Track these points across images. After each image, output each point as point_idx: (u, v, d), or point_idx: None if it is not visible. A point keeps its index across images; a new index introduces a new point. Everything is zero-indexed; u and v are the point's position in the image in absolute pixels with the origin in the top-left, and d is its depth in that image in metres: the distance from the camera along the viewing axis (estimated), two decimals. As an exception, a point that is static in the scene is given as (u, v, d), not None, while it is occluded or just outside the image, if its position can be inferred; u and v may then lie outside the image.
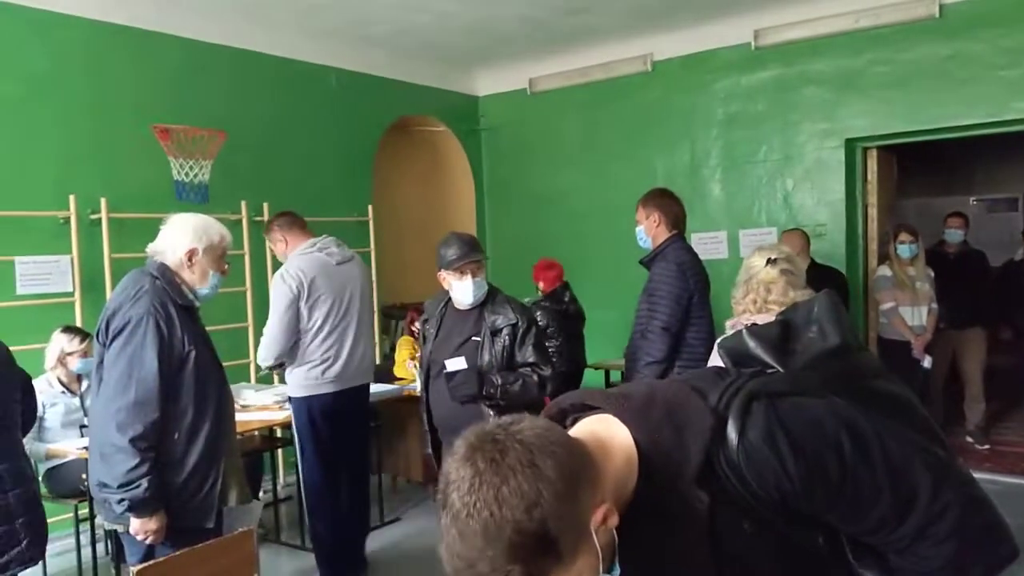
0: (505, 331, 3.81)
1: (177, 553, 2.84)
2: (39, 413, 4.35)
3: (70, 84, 5.56)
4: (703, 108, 7.38)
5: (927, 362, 6.22)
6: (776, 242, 6.16)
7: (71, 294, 5.46)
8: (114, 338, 3.00)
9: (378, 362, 7.25)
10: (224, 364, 3.35)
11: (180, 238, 3.17)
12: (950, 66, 6.19)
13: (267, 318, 4.63)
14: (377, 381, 6.11)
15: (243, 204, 6.45)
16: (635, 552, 1.26)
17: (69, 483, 4.69)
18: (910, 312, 6.29)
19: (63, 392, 4.93)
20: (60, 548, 5.03)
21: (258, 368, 5.43)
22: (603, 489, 1.21)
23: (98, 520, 4.10)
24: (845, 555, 1.41)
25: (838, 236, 6.81)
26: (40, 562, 3.73)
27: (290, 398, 4.74)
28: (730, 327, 3.05)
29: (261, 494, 5.62)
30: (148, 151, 5.85)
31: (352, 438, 4.88)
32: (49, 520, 3.56)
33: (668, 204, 4.39)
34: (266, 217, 6.45)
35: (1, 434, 3.32)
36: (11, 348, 3.50)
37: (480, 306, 3.89)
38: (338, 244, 4.77)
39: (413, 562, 5.13)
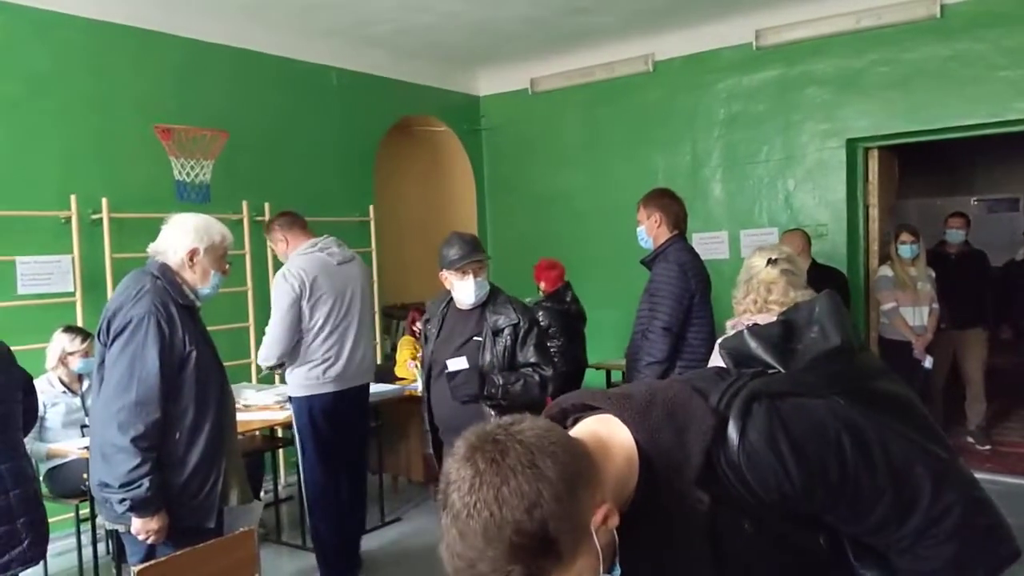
0: (507, 331, 3.82)
1: (178, 553, 2.84)
2: (40, 413, 4.35)
3: (71, 84, 5.56)
4: (704, 108, 7.38)
5: (928, 362, 6.22)
6: (777, 242, 6.16)
7: (72, 294, 5.46)
8: (115, 338, 3.00)
9: (379, 362, 7.26)
10: (225, 364, 3.35)
11: (182, 238, 3.17)
12: (951, 66, 6.19)
13: (268, 318, 4.63)
14: (378, 381, 6.12)
15: (244, 204, 6.45)
16: (636, 552, 1.26)
17: (70, 483, 4.69)
18: (911, 312, 6.29)
19: (64, 392, 4.93)
20: (61, 548, 5.03)
21: (259, 368, 5.43)
22: (603, 489, 1.21)
23: (99, 520, 4.10)
24: (846, 556, 1.41)
25: (839, 236, 6.81)
26: (41, 562, 3.73)
27: (290, 398, 4.74)
28: (731, 327, 3.06)
29: (262, 494, 5.62)
30: (149, 151, 5.84)
31: (352, 438, 4.89)
32: (50, 520, 3.56)
33: (669, 204, 4.38)
34: (267, 217, 6.44)
35: (2, 434, 3.32)
36: (12, 348, 3.50)
37: (482, 306, 3.90)
38: (339, 244, 4.77)
39: (414, 562, 5.14)
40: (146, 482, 2.92)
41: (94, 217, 5.58)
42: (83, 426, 4.74)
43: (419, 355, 5.95)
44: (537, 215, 8.40)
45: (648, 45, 7.53)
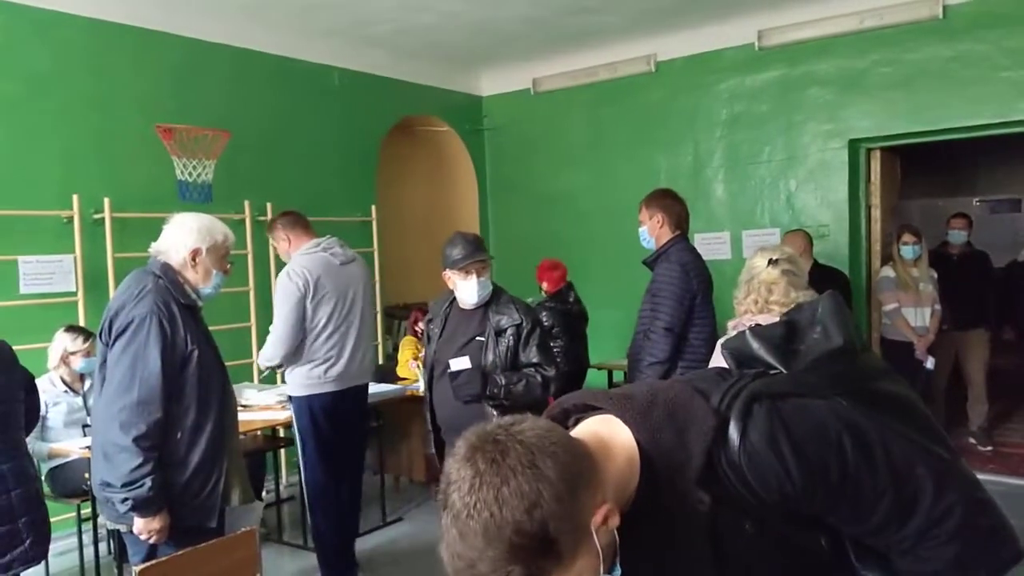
0: (509, 331, 3.82)
1: (179, 553, 2.84)
2: (42, 412, 4.36)
3: (72, 83, 5.57)
4: (706, 108, 7.38)
5: (930, 363, 6.21)
6: (779, 243, 6.16)
7: (74, 294, 5.47)
8: (117, 337, 3.00)
9: (381, 362, 7.27)
10: (227, 364, 3.35)
11: (184, 238, 3.17)
12: (954, 67, 6.18)
13: (270, 318, 4.64)
14: (380, 381, 6.14)
15: (246, 204, 6.46)
16: (636, 553, 1.26)
17: (72, 482, 4.70)
18: (913, 313, 6.28)
19: (66, 391, 4.94)
20: (63, 547, 5.03)
21: (260, 369, 5.43)
22: (604, 490, 1.21)
23: (101, 519, 4.11)
24: (848, 556, 1.40)
25: (841, 237, 6.80)
26: (43, 561, 3.74)
27: (290, 397, 4.74)
28: (732, 327, 3.06)
29: (264, 494, 5.63)
30: (151, 151, 5.85)
31: (353, 437, 4.90)
32: (52, 519, 3.56)
33: (671, 204, 4.38)
34: (269, 217, 6.45)
35: (4, 433, 3.33)
36: (14, 347, 3.50)
37: (485, 306, 3.90)
38: (341, 244, 4.78)
39: (415, 562, 5.14)
40: (148, 481, 2.92)
41: (96, 217, 5.58)
42: (85, 426, 4.75)
43: (421, 355, 5.96)
44: (539, 215, 8.40)
45: (650, 45, 7.53)
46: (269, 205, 6.51)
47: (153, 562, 2.83)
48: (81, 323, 5.29)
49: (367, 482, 5.91)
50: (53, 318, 5.17)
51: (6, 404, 3.37)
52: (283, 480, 6.42)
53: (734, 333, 2.34)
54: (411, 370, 6.38)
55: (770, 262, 3.10)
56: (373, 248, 7.50)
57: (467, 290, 3.86)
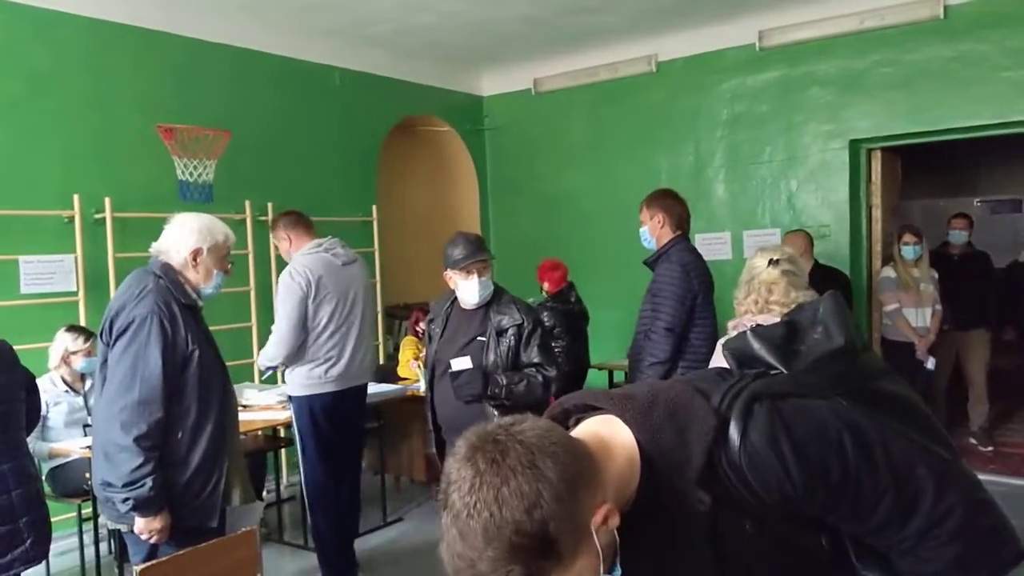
0: (511, 331, 3.82)
1: (180, 552, 2.84)
2: (43, 412, 4.36)
3: (73, 83, 5.57)
4: (707, 109, 7.38)
5: (931, 363, 6.21)
6: (779, 243, 6.16)
7: (75, 293, 5.47)
8: (118, 337, 3.00)
9: (382, 362, 7.27)
10: (227, 364, 3.35)
11: (185, 238, 3.17)
12: (955, 67, 6.18)
13: (271, 318, 4.64)
14: (381, 381, 6.14)
15: (247, 204, 6.46)
16: (637, 553, 1.26)
17: (72, 482, 4.70)
18: (914, 313, 6.28)
19: (67, 391, 4.94)
20: (63, 547, 5.04)
21: (261, 371, 5.43)
22: (604, 490, 1.21)
23: (101, 519, 4.11)
24: (848, 556, 1.40)
25: (842, 237, 6.81)
26: (44, 561, 3.74)
27: (290, 397, 4.75)
28: (732, 327, 3.06)
29: (264, 494, 5.63)
30: (152, 150, 5.85)
31: (353, 437, 4.91)
32: (52, 519, 3.56)
33: (672, 205, 4.38)
34: (270, 217, 6.47)
35: (5, 433, 3.32)
36: (15, 347, 3.50)
37: (486, 306, 3.90)
38: (343, 245, 4.80)
39: (415, 562, 5.14)
40: (149, 481, 2.92)
41: (97, 217, 5.59)
42: (85, 425, 4.75)
43: (422, 355, 5.96)
44: (540, 215, 8.41)
45: (651, 45, 7.53)
46: (270, 205, 6.51)
47: (154, 562, 2.83)
48: (82, 323, 5.29)
49: (368, 482, 5.92)
50: (54, 318, 5.17)
51: (7, 404, 3.37)
52: (283, 480, 6.42)
53: (734, 333, 2.34)
54: (412, 370, 6.38)
55: (770, 262, 3.10)
56: (374, 248, 7.51)
57: (468, 290, 3.86)
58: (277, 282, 4.73)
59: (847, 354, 1.45)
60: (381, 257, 7.61)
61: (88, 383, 4.97)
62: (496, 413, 3.62)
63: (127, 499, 2.92)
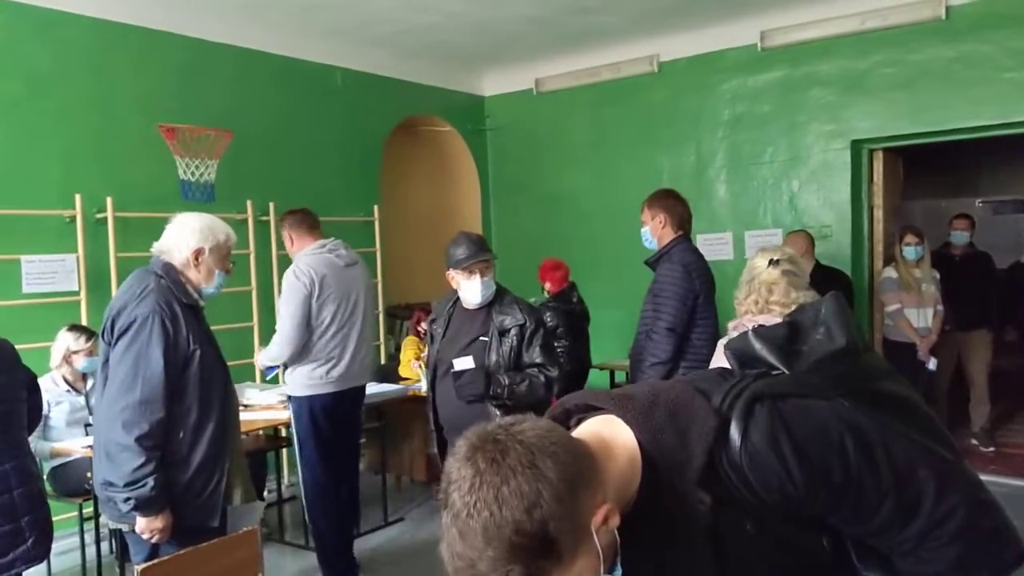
0: (513, 331, 3.82)
1: (181, 552, 2.84)
2: (44, 411, 4.36)
3: (75, 83, 5.57)
4: (709, 109, 7.37)
5: (932, 364, 6.21)
6: (781, 243, 6.16)
7: (77, 293, 5.47)
8: (119, 337, 3.00)
9: (383, 362, 7.28)
10: (228, 363, 3.35)
11: (187, 237, 3.17)
12: (956, 68, 6.18)
13: (272, 318, 4.65)
14: (382, 381, 6.15)
15: (249, 204, 6.46)
16: (637, 553, 1.26)
17: (74, 482, 4.70)
18: (915, 314, 6.28)
19: (68, 391, 4.94)
20: (65, 547, 5.03)
21: (262, 371, 5.44)
22: (605, 490, 1.21)
23: (103, 519, 4.11)
24: (849, 557, 1.40)
25: (844, 238, 6.80)
26: (45, 560, 3.74)
27: (289, 397, 4.74)
28: (732, 328, 3.06)
29: (265, 493, 5.63)
30: (153, 150, 5.85)
31: (352, 437, 4.92)
32: (54, 519, 3.56)
33: (673, 205, 4.38)
34: (272, 217, 6.50)
35: (6, 432, 3.32)
36: (17, 347, 3.50)
37: (488, 306, 3.90)
38: (346, 247, 4.82)
39: (416, 562, 5.14)
40: (150, 481, 2.92)
41: (98, 216, 5.59)
42: (87, 425, 4.75)
43: (423, 355, 5.96)
44: (542, 215, 8.41)
45: (653, 46, 7.53)
46: (271, 205, 6.52)
47: (155, 561, 2.83)
48: (84, 322, 5.29)
49: (369, 482, 5.94)
50: (55, 317, 5.18)
51: (9, 403, 3.37)
52: (285, 480, 6.42)
53: (735, 334, 2.34)
54: (413, 370, 6.38)
55: (771, 262, 3.10)
56: (375, 248, 7.51)
57: (471, 290, 3.86)
58: (279, 282, 4.73)
59: (849, 355, 1.45)
60: (383, 257, 7.61)
61: (90, 382, 4.97)
62: (498, 413, 3.62)
63: (129, 499, 2.92)
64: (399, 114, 7.92)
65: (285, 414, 5.08)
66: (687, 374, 2.04)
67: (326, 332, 4.58)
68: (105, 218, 5.60)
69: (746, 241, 7.16)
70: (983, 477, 1.42)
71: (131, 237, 5.56)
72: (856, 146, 6.78)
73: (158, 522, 2.99)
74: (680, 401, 1.32)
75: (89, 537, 4.81)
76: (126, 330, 2.98)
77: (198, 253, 3.17)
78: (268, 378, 5.62)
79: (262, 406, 5.30)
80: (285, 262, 4.89)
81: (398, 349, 7.22)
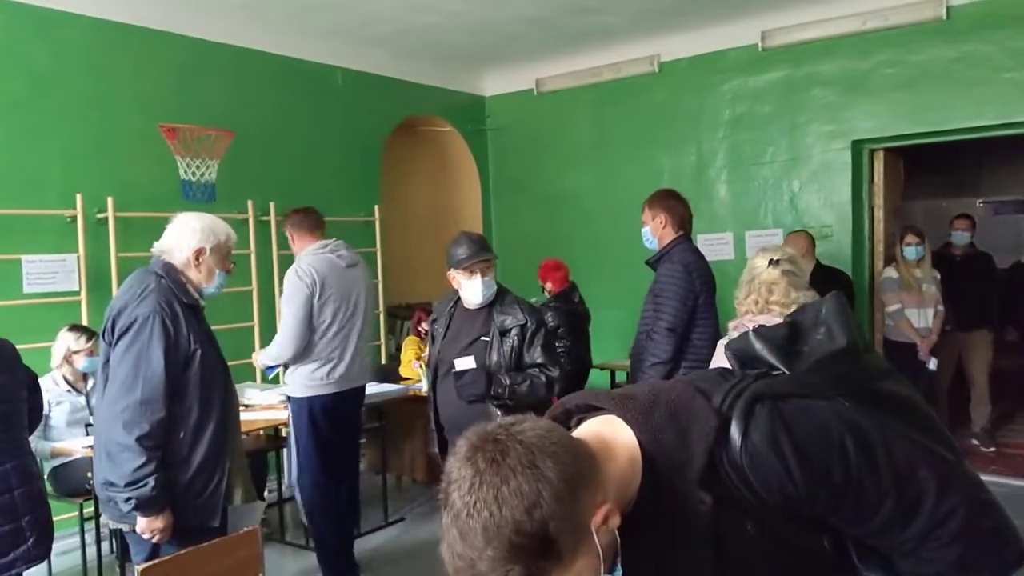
0: (514, 331, 3.82)
1: (182, 552, 2.84)
2: (45, 411, 4.36)
3: (75, 83, 5.57)
4: (710, 109, 7.37)
5: (933, 364, 6.21)
6: (781, 244, 6.15)
7: (77, 293, 5.48)
8: (120, 337, 3.00)
9: (384, 362, 7.28)
10: (229, 363, 3.35)
11: (188, 237, 3.17)
12: (957, 68, 6.17)
13: (273, 318, 4.65)
14: (383, 381, 6.15)
15: (249, 204, 6.46)
16: (638, 553, 1.26)
17: (74, 481, 4.70)
18: (916, 314, 6.28)
19: (69, 390, 4.94)
20: (65, 547, 5.03)
21: (263, 372, 5.44)
22: (605, 490, 1.21)
23: (103, 519, 4.11)
24: (850, 557, 1.40)
25: (844, 238, 6.80)
26: (45, 560, 3.74)
27: (289, 397, 4.74)
28: (732, 328, 3.06)
29: (266, 493, 5.63)
30: (154, 150, 5.85)
31: (352, 438, 4.92)
32: (54, 518, 3.56)
33: (674, 205, 4.38)
34: (272, 217, 6.51)
35: (7, 432, 3.33)
36: (17, 346, 3.51)
37: (489, 306, 3.89)
38: (347, 247, 4.82)
39: (416, 562, 5.14)
40: (151, 481, 2.92)
41: (99, 216, 5.59)
42: (87, 425, 4.75)
43: (423, 355, 5.96)
44: (542, 215, 8.40)
45: (654, 46, 7.53)
46: (272, 205, 6.53)
47: (155, 561, 2.83)
48: (84, 322, 5.30)
49: (369, 482, 5.94)
50: (56, 317, 5.18)
51: (9, 403, 3.37)
52: (285, 480, 6.41)
53: (735, 334, 2.33)
54: (414, 370, 6.38)
55: (771, 262, 3.10)
56: (376, 248, 7.51)
57: (472, 290, 3.85)
58: (279, 282, 4.73)
59: (849, 355, 1.45)
60: (383, 257, 7.61)
61: (90, 382, 4.97)
62: (499, 413, 3.62)
63: (129, 499, 2.92)
64: (400, 114, 7.92)
65: (285, 414, 5.08)
66: (688, 374, 2.03)
67: (327, 332, 4.58)
68: (106, 218, 5.60)
69: (747, 241, 7.16)
70: (984, 477, 1.42)
71: (132, 237, 5.56)
72: (857, 146, 6.78)
73: (159, 522, 2.99)
74: (681, 401, 1.32)
75: (90, 537, 4.81)
76: (127, 330, 2.99)
77: (199, 253, 3.17)
78: (270, 377, 5.62)
79: (263, 406, 5.30)
80: (286, 262, 4.89)
81: (399, 349, 7.22)
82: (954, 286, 6.53)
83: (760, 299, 3.08)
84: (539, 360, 3.82)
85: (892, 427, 1.35)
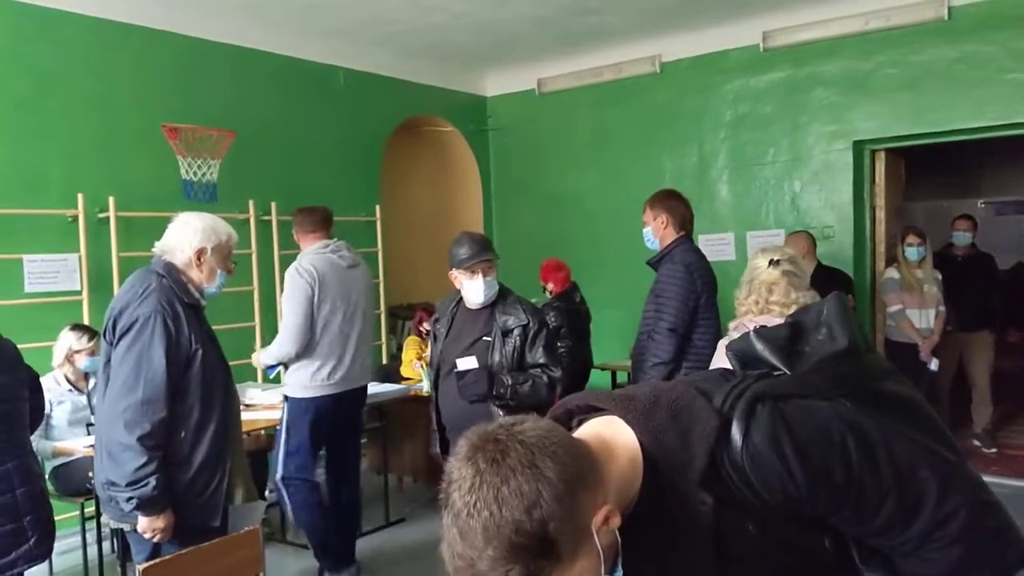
0: (516, 332, 3.82)
1: (183, 552, 2.84)
2: (46, 411, 4.36)
3: (77, 82, 5.57)
4: (711, 109, 7.37)
5: (934, 365, 6.20)
6: (783, 244, 6.15)
7: (79, 293, 5.48)
8: (121, 337, 3.00)
9: (385, 362, 7.28)
10: (230, 363, 3.36)
11: (189, 237, 3.17)
12: (959, 68, 6.17)
13: (274, 317, 4.65)
14: (384, 381, 6.15)
15: (250, 203, 6.46)
16: (638, 553, 1.26)
17: (76, 481, 4.71)
18: (917, 315, 6.28)
19: (70, 390, 4.94)
20: (66, 546, 5.03)
21: (264, 371, 5.44)
22: (605, 490, 1.21)
23: (104, 518, 4.11)
24: (851, 558, 1.40)
25: (846, 238, 6.80)
26: (47, 560, 3.74)
27: (286, 397, 4.73)
28: (733, 328, 3.06)
29: (267, 493, 5.62)
30: (155, 150, 5.85)
31: (352, 438, 4.94)
32: (55, 518, 3.56)
33: (675, 205, 4.37)
34: (273, 216, 6.51)
35: (9, 432, 3.33)
36: (19, 346, 3.51)
37: (491, 306, 3.90)
38: (348, 248, 4.81)
39: (417, 562, 5.14)
40: (152, 480, 2.92)
41: (101, 216, 5.59)
42: (89, 424, 4.75)
43: (425, 355, 5.96)
44: (544, 216, 8.40)
45: (655, 46, 7.53)
46: (273, 205, 6.53)
47: (156, 561, 2.83)
48: (86, 322, 5.29)
49: (370, 482, 5.93)
50: (58, 317, 5.18)
51: (11, 403, 3.37)
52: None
53: (736, 334, 2.33)
54: (415, 370, 6.38)
55: (771, 263, 3.10)
56: (377, 248, 7.51)
57: (473, 290, 3.86)
58: (281, 282, 4.73)
59: (851, 355, 1.45)
60: (384, 257, 7.61)
61: (92, 382, 4.98)
62: (501, 413, 3.62)
63: (131, 498, 2.92)
64: (401, 114, 7.92)
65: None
66: (689, 375, 2.03)
67: (327, 333, 4.58)
68: (107, 218, 5.60)
69: (748, 242, 7.16)
70: (985, 478, 1.42)
71: (133, 237, 5.57)
72: (858, 147, 6.77)
73: (160, 522, 2.99)
74: (682, 402, 1.32)
75: (91, 536, 4.81)
76: (128, 330, 2.99)
77: (200, 253, 3.17)
78: (271, 377, 5.62)
79: (264, 406, 5.30)
80: (287, 262, 4.89)
81: (400, 349, 7.22)
82: (955, 287, 6.53)
83: (760, 299, 3.08)
84: (541, 360, 3.82)
85: (893, 427, 1.34)
